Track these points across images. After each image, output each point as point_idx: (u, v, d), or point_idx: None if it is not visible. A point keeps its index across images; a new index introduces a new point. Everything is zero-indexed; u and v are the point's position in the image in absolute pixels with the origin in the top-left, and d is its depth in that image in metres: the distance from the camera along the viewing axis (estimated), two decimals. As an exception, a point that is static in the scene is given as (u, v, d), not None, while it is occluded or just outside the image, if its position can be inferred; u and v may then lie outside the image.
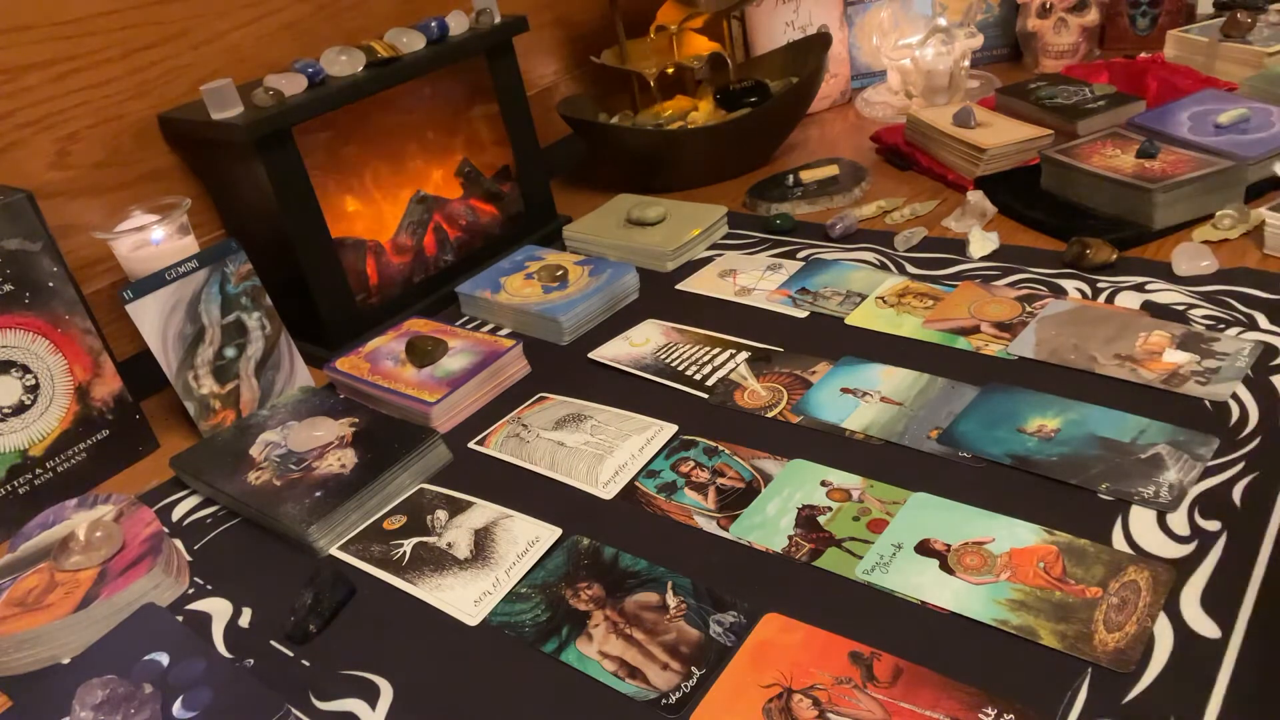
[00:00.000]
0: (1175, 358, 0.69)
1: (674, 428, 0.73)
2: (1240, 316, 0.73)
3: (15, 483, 0.76)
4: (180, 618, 0.63)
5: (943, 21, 1.25)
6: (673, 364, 0.81)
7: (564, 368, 0.85)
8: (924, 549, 0.57)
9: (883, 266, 0.91)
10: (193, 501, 0.76)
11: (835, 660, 0.51)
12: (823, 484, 0.64)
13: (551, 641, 0.56)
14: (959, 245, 0.92)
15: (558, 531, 0.65)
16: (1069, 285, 0.82)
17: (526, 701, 0.53)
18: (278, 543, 0.69)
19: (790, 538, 0.60)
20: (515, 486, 0.70)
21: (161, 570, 0.65)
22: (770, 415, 0.73)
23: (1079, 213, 0.91)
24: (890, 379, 0.74)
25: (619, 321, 0.91)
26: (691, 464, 0.69)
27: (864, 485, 0.63)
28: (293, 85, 0.88)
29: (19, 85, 0.83)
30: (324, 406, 0.81)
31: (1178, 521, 0.56)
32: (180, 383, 0.82)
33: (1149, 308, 0.76)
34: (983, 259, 0.89)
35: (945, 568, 0.56)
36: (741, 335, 0.84)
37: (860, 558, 0.58)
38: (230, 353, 0.85)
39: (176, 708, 0.55)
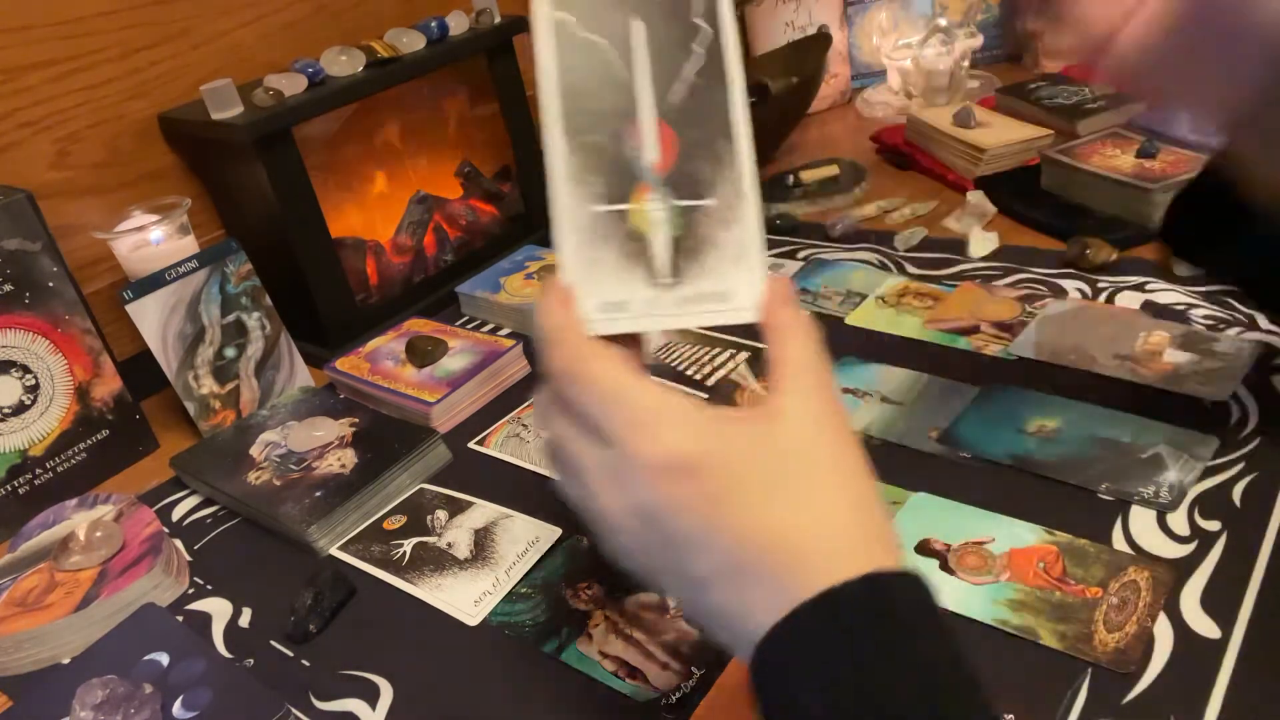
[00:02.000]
0: (1175, 358, 0.69)
1: (674, 428, 0.73)
2: (1240, 317, 0.73)
3: (15, 483, 0.76)
4: (180, 618, 0.63)
5: (943, 21, 1.25)
6: (673, 364, 0.81)
7: (564, 368, 0.85)
8: (924, 549, 0.57)
9: (883, 266, 0.91)
10: (193, 501, 0.76)
11: (835, 660, 0.51)
12: (823, 484, 0.64)
13: (551, 641, 0.56)
14: (959, 245, 0.92)
15: (558, 531, 0.65)
16: (1069, 285, 0.82)
17: (526, 701, 0.53)
18: (278, 543, 0.69)
19: (790, 538, 0.60)
20: (515, 486, 0.70)
21: (161, 570, 0.65)
22: (770, 415, 0.73)
23: (1079, 213, 0.91)
24: (890, 379, 0.74)
25: (619, 321, 0.90)
26: (691, 464, 0.69)
27: (864, 485, 0.63)
28: (293, 85, 0.88)
29: (19, 85, 0.83)
30: (324, 406, 0.81)
31: (1178, 521, 0.56)
32: (180, 383, 0.82)
33: (1149, 308, 0.76)
34: (983, 259, 0.89)
35: (945, 568, 0.56)
36: (742, 335, 0.84)
37: (860, 558, 0.57)
38: (230, 353, 0.85)
39: (176, 708, 0.55)
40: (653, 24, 0.42)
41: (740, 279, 0.41)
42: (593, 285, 0.40)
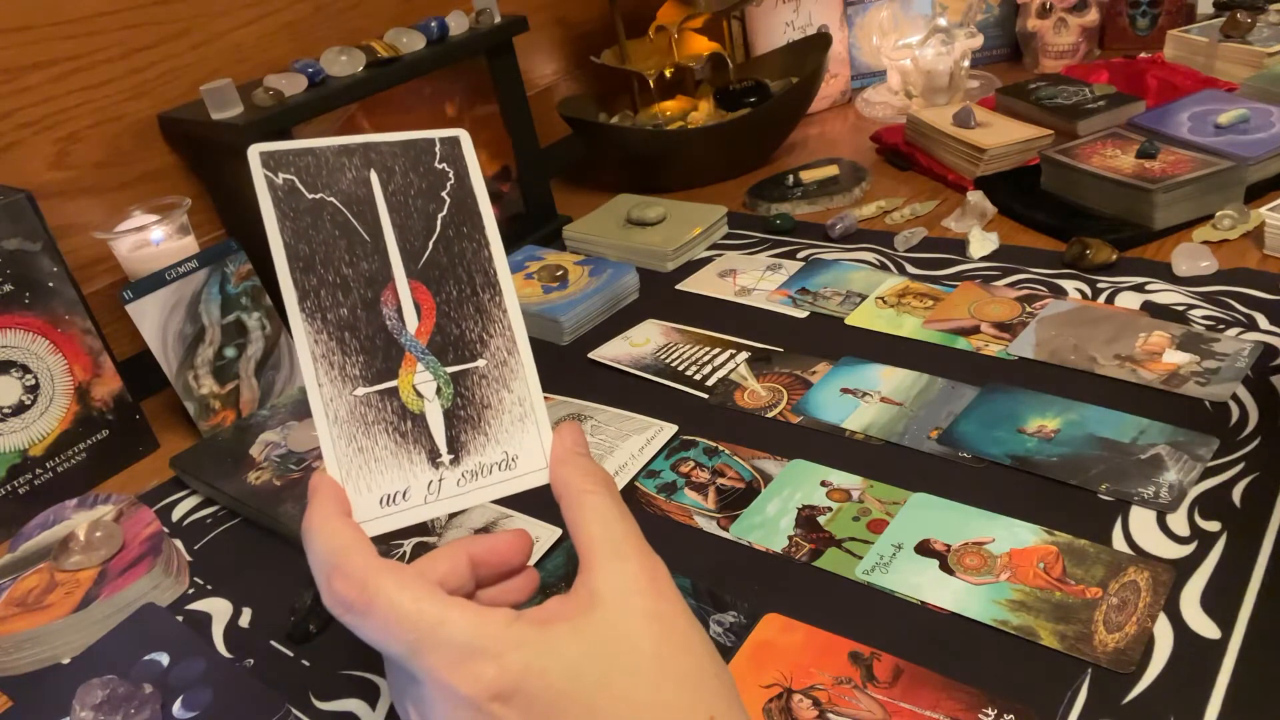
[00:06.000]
0: (1175, 358, 0.69)
1: (674, 428, 0.73)
2: (1240, 317, 0.73)
3: (15, 483, 0.76)
4: (180, 618, 0.63)
5: (943, 21, 1.25)
6: (673, 364, 0.81)
7: (564, 368, 0.85)
8: (924, 549, 0.57)
9: (883, 266, 0.91)
10: (193, 501, 0.76)
11: (835, 660, 0.51)
12: (823, 484, 0.64)
13: (551, 642, 0.56)
14: (959, 245, 0.92)
15: (558, 531, 0.65)
16: (1069, 285, 0.82)
17: (526, 702, 0.53)
18: (278, 543, 0.69)
19: (790, 538, 0.60)
20: (515, 486, 0.70)
21: (161, 570, 0.65)
22: (770, 415, 0.73)
23: (1079, 213, 0.91)
24: (890, 379, 0.74)
25: (619, 321, 0.91)
26: (691, 464, 0.69)
27: (864, 485, 0.63)
28: (293, 85, 0.88)
29: (19, 85, 0.83)
30: (324, 406, 0.81)
31: (1177, 522, 0.56)
32: (180, 383, 0.82)
33: (1149, 308, 0.76)
34: (983, 259, 0.89)
35: (945, 568, 0.56)
36: (741, 335, 0.84)
37: (860, 558, 0.58)
38: (230, 353, 0.85)
39: (176, 708, 0.55)
40: (390, 174, 0.38)
41: (525, 439, 0.39)
42: (367, 479, 0.36)
